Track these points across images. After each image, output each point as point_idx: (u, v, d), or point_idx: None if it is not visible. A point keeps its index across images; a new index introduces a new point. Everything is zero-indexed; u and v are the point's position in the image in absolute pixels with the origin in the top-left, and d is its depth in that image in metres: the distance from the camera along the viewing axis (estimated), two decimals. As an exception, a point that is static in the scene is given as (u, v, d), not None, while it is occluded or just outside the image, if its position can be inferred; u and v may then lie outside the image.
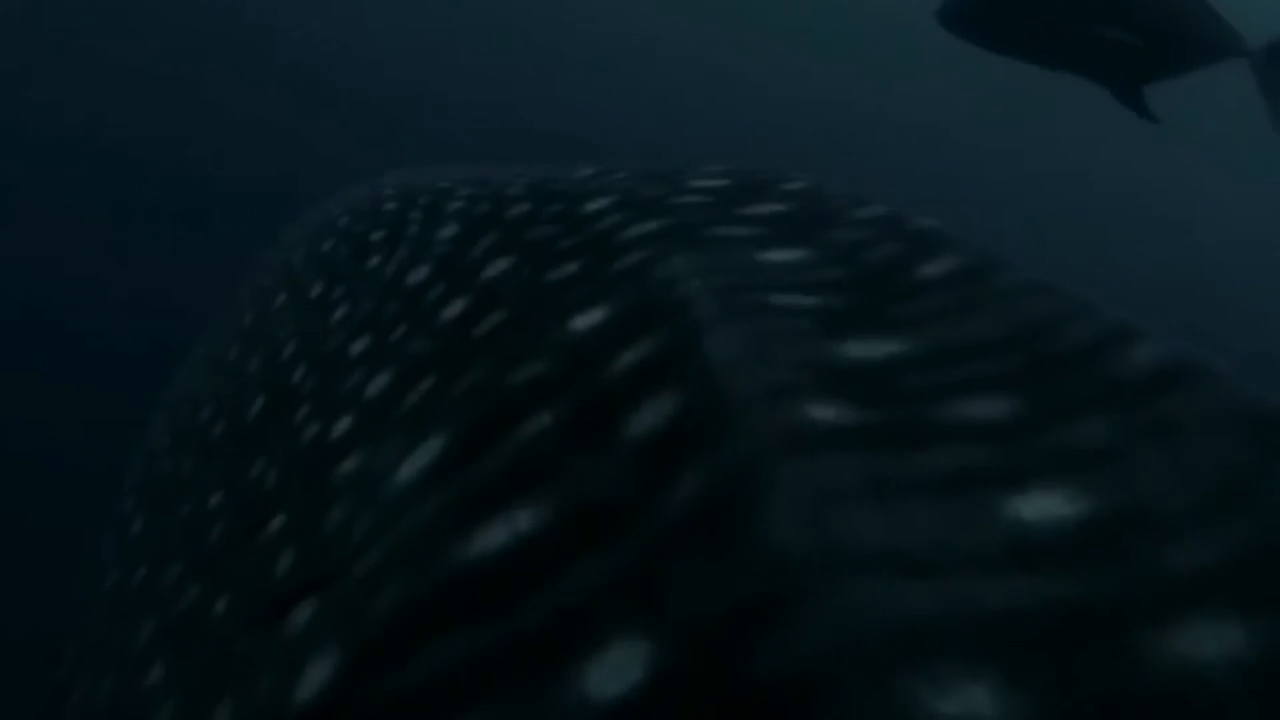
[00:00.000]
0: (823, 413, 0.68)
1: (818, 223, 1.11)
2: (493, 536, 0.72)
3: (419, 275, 1.27)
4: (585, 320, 0.95)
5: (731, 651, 0.52)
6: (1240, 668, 0.47)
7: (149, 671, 0.93)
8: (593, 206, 1.29)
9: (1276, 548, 0.53)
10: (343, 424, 1.02)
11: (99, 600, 1.18)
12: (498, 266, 1.20)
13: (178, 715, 0.84)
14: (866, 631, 0.49)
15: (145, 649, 0.97)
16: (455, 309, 1.13)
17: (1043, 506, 0.59)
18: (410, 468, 0.86)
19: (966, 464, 0.63)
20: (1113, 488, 0.59)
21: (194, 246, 8.01)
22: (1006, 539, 0.56)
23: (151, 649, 0.96)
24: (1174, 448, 0.62)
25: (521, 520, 0.72)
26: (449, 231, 1.37)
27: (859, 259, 0.98)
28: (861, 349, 0.79)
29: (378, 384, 1.05)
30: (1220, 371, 0.68)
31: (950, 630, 0.50)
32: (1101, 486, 0.60)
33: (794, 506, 0.59)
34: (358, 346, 1.16)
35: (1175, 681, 0.47)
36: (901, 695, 0.46)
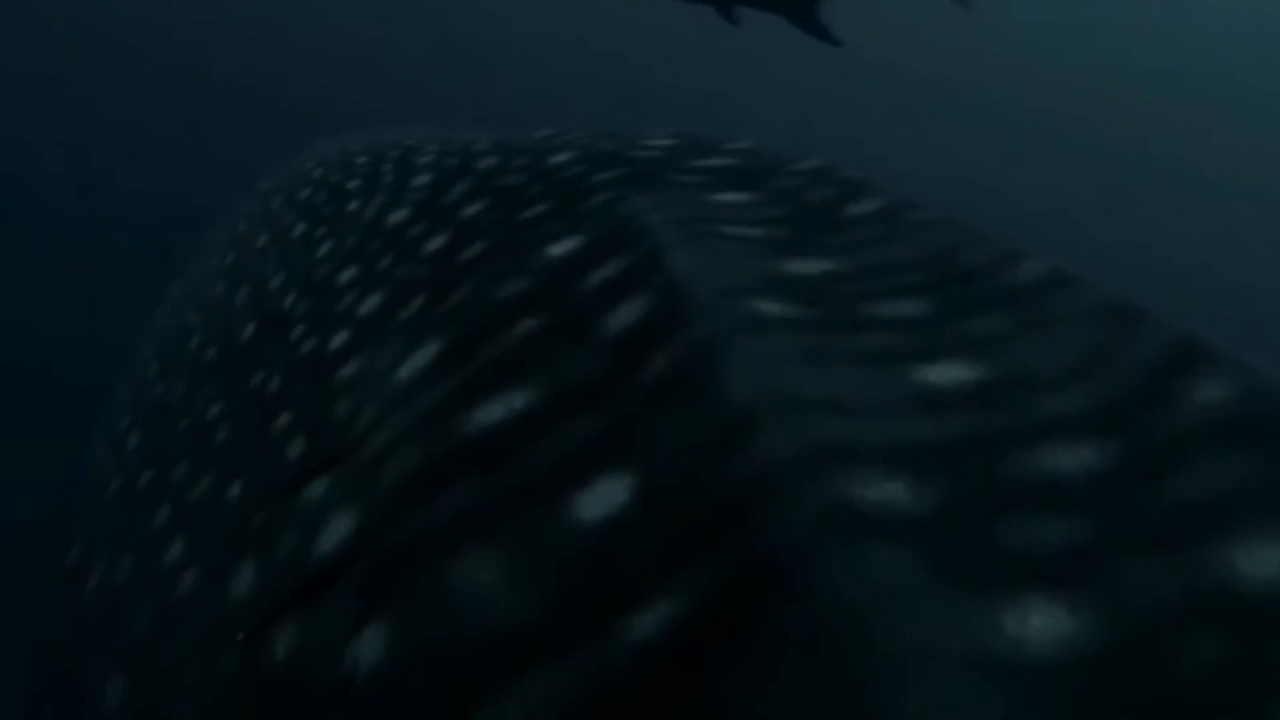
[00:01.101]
0: (769, 307, 0.83)
1: (759, 173, 1.26)
2: (491, 412, 0.85)
3: (399, 216, 1.39)
4: (560, 248, 1.08)
5: (699, 470, 0.67)
6: (1093, 474, 0.63)
7: (168, 549, 1.05)
8: (557, 159, 1.42)
9: (1123, 397, 0.69)
10: (339, 338, 1.14)
11: (102, 503, 1.28)
12: (473, 208, 1.32)
13: (202, 580, 0.96)
14: (806, 447, 0.64)
15: (162, 531, 1.08)
16: (437, 243, 1.25)
17: (947, 373, 0.74)
18: (409, 367, 0.99)
19: (887, 345, 0.79)
20: (1002, 359, 0.75)
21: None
22: (918, 393, 0.72)
23: (168, 531, 1.08)
24: (1049, 332, 0.78)
25: (516, 399, 0.85)
26: (423, 179, 1.49)
27: (796, 200, 1.14)
28: (800, 266, 0.94)
29: (369, 304, 1.17)
30: (1089, 279, 0.84)
31: (873, 447, 0.65)
32: (993, 359, 0.75)
33: (749, 368, 0.73)
34: (346, 275, 1.28)
35: (1042, 482, 0.63)
36: (835, 487, 0.61)
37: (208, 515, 1.05)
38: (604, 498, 0.71)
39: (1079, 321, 0.79)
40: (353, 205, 1.51)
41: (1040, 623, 0.53)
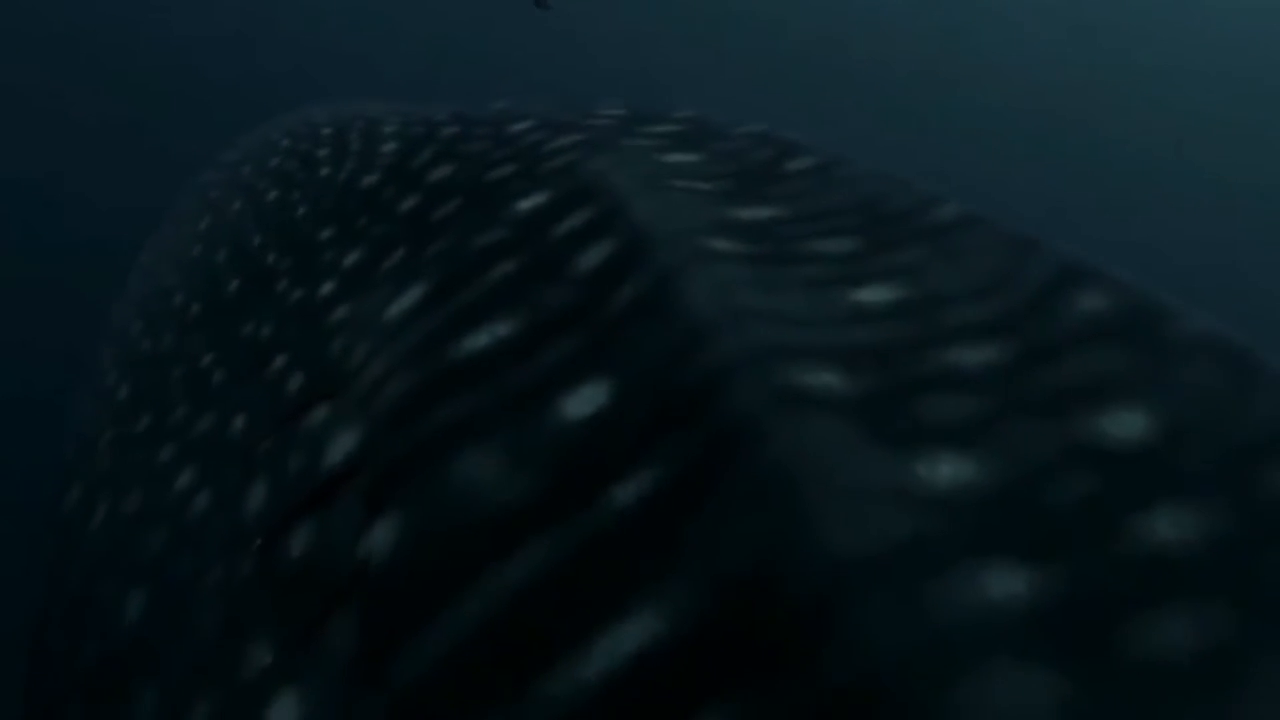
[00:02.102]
0: (720, 245, 0.96)
1: (705, 137, 1.39)
2: (478, 339, 0.97)
3: (370, 180, 1.49)
4: (529, 202, 1.19)
5: (667, 370, 0.79)
6: (990, 365, 0.76)
7: (177, 479, 1.14)
8: (517, 127, 1.54)
9: (1017, 307, 0.83)
10: (326, 288, 1.25)
11: (98, 450, 1.37)
12: (441, 172, 1.43)
13: (214, 501, 1.06)
14: (755, 347, 0.77)
15: (168, 465, 1.18)
16: (410, 203, 1.36)
17: (873, 294, 0.87)
18: (398, 307, 1.10)
19: (822, 274, 0.92)
20: (919, 282, 0.89)
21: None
22: (851, 311, 0.85)
23: (175, 464, 1.17)
24: (959, 260, 0.92)
25: (500, 328, 0.97)
26: (390, 147, 1.59)
27: (739, 159, 1.26)
28: (746, 213, 1.07)
29: (352, 258, 1.28)
30: (995, 218, 0.98)
31: (811, 347, 0.78)
32: (912, 282, 0.89)
33: (705, 291, 0.86)
34: (326, 233, 1.38)
35: (948, 371, 0.76)
36: (780, 375, 0.73)
37: (213, 448, 1.14)
38: (587, 399, 0.83)
39: (984, 251, 0.93)
40: (324, 171, 1.61)
41: (947, 469, 0.66)
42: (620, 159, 1.26)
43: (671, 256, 0.92)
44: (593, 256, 1.01)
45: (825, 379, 0.74)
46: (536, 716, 0.65)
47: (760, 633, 0.60)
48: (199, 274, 1.59)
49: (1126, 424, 0.70)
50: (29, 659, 1.29)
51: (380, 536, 0.84)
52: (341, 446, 0.97)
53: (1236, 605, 0.57)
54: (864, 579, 0.60)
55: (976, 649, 0.54)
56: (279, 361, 1.17)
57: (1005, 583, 0.58)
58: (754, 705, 0.58)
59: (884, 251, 0.96)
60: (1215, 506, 0.63)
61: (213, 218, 1.76)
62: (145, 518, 1.14)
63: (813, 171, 1.19)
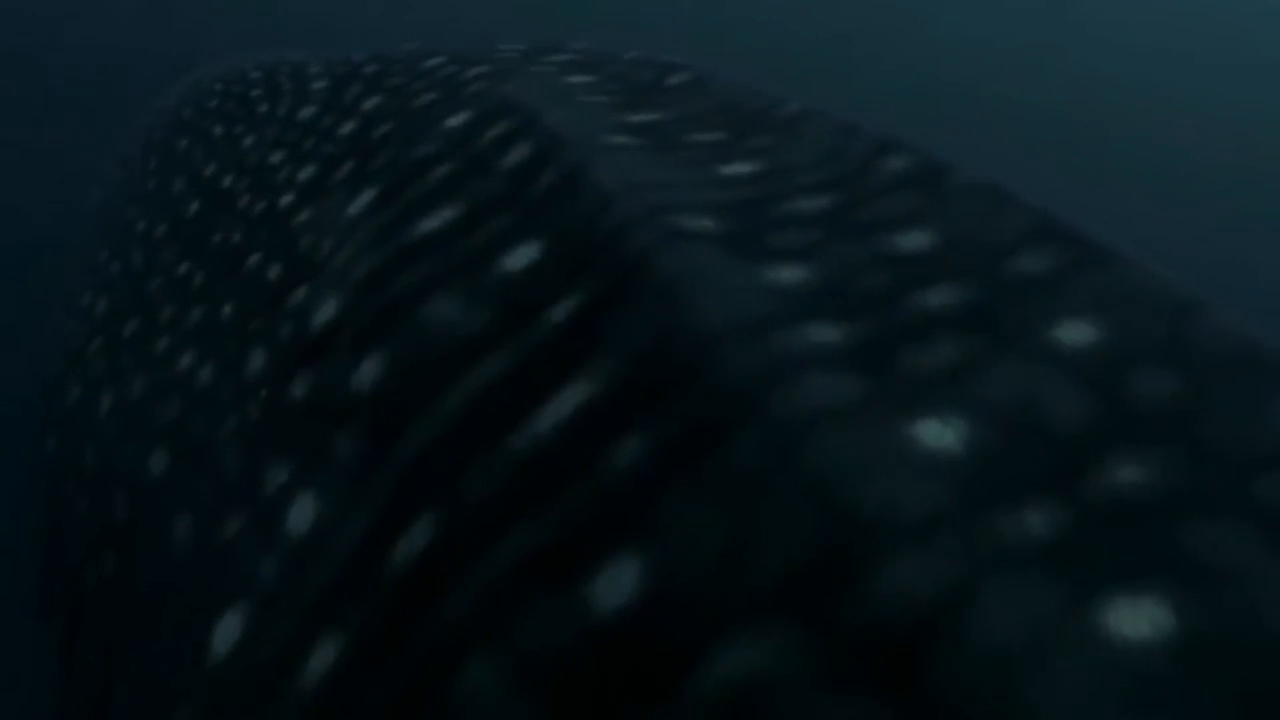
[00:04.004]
0: (618, 140, 1.22)
1: (597, 63, 1.65)
2: (429, 223, 1.22)
3: (307, 112, 1.71)
4: (455, 120, 1.44)
5: (585, 228, 1.06)
6: (826, 211, 1.05)
7: (178, 362, 1.37)
8: (431, 63, 1.77)
9: (847, 172, 1.12)
10: (286, 199, 1.47)
11: (86, 357, 1.57)
12: (371, 102, 1.66)
13: (217, 371, 1.29)
14: (649, 206, 1.04)
15: (165, 354, 1.40)
16: (348, 128, 1.59)
17: (736, 168, 1.15)
18: (355, 207, 1.34)
19: (697, 157, 1.19)
20: (770, 158, 1.17)
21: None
22: (719, 180, 1.13)
23: (172, 352, 1.39)
24: (801, 143, 1.20)
25: (446, 213, 1.22)
26: (321, 84, 1.81)
27: (628, 78, 1.53)
28: (636, 117, 1.34)
29: (305, 174, 1.50)
30: (831, 113, 1.27)
31: (683, 203, 1.05)
32: (765, 159, 1.17)
33: (608, 173, 1.12)
34: (276, 157, 1.60)
35: (794, 216, 1.04)
36: (666, 222, 1.01)
37: (207, 333, 1.37)
38: (522, 255, 1.09)
39: (820, 134, 1.21)
40: (263, 108, 1.82)
41: (788, 272, 0.94)
42: (529, 81, 1.51)
43: (579, 151, 1.19)
44: (515, 156, 1.26)
45: (700, 223, 1.02)
46: (499, 465, 0.91)
47: (660, 390, 0.87)
48: (158, 203, 1.79)
49: (915, 239, 0.99)
50: (43, 541, 1.50)
51: (368, 371, 1.09)
52: (325, 312, 1.21)
53: (969, 340, 0.86)
54: (732, 337, 0.86)
55: (798, 367, 0.82)
56: (254, 260, 1.40)
57: (824, 331, 0.87)
58: (664, 435, 0.85)
59: (743, 139, 1.24)
60: (968, 286, 0.92)
61: (161, 155, 1.95)
62: (155, 395, 1.37)
63: (687, 84, 1.47)
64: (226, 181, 1.65)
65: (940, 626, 0.59)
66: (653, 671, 0.67)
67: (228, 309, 1.37)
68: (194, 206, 1.67)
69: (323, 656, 0.89)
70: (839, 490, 0.69)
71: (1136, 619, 0.58)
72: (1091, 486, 0.67)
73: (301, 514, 1.05)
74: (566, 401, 0.91)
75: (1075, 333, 0.80)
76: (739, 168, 1.16)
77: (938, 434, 0.73)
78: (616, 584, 0.74)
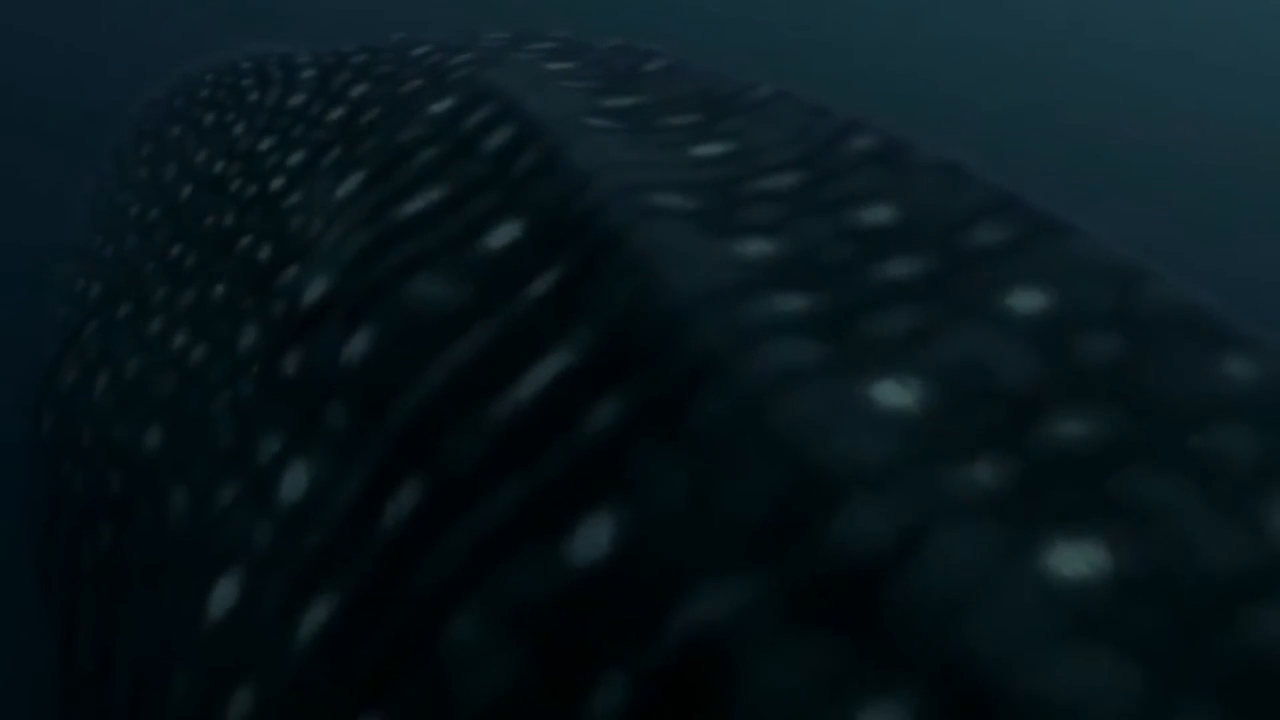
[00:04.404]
0: (594, 123, 1.25)
1: (576, 51, 1.68)
2: (415, 204, 1.25)
3: (297, 99, 1.74)
4: (439, 106, 1.47)
5: (562, 206, 1.08)
6: (794, 189, 1.07)
7: (172, 341, 1.40)
8: (417, 52, 1.80)
9: (813, 150, 1.14)
10: (276, 183, 1.50)
11: (81, 339, 1.60)
12: (359, 90, 1.69)
13: (212, 348, 1.32)
14: (624, 184, 1.06)
15: (160, 334, 1.43)
16: (337, 114, 1.62)
17: (708, 149, 1.19)
18: (344, 189, 1.37)
19: (672, 139, 1.22)
20: (741, 139, 1.20)
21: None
22: (692, 160, 1.16)
23: (167, 332, 1.42)
24: (770, 124, 1.23)
25: (431, 193, 1.25)
26: (309, 74, 1.85)
27: (606, 65, 1.56)
28: (613, 102, 1.36)
29: (295, 159, 1.53)
30: (797, 96, 1.29)
31: (663, 182, 1.07)
32: (736, 140, 1.20)
33: (586, 154, 1.15)
34: (266, 143, 1.63)
35: (763, 193, 1.07)
36: (640, 199, 1.03)
37: (199, 313, 1.40)
38: (504, 233, 1.12)
39: (788, 116, 1.24)
40: (253, 96, 1.85)
41: (754, 246, 0.97)
42: (509, 69, 1.54)
43: (558, 134, 1.21)
44: (497, 139, 1.29)
45: (672, 201, 1.04)
46: (482, 431, 0.94)
47: (633, 358, 0.90)
48: (150, 188, 1.82)
49: (878, 213, 1.01)
50: (40, 518, 1.52)
51: (357, 345, 1.12)
52: (316, 289, 1.23)
53: (931, 302, 0.88)
54: (701, 306, 0.89)
55: (762, 333, 0.84)
56: (245, 242, 1.43)
57: (788, 301, 0.89)
58: (637, 399, 0.87)
59: (715, 121, 1.27)
60: (927, 257, 0.95)
61: (153, 143, 1.98)
62: (150, 373, 1.39)
63: (663, 71, 1.50)
64: (218, 167, 1.68)
65: (894, 571, 0.62)
66: (629, 620, 0.70)
67: (220, 289, 1.40)
68: (186, 191, 1.70)
69: (316, 615, 0.93)
70: (800, 447, 0.71)
71: (1075, 560, 0.61)
72: (1037, 441, 0.70)
73: (294, 481, 1.08)
74: (545, 370, 0.93)
75: (1026, 299, 0.83)
76: (711, 148, 1.19)
77: (895, 394, 0.76)
78: (593, 540, 0.77)
